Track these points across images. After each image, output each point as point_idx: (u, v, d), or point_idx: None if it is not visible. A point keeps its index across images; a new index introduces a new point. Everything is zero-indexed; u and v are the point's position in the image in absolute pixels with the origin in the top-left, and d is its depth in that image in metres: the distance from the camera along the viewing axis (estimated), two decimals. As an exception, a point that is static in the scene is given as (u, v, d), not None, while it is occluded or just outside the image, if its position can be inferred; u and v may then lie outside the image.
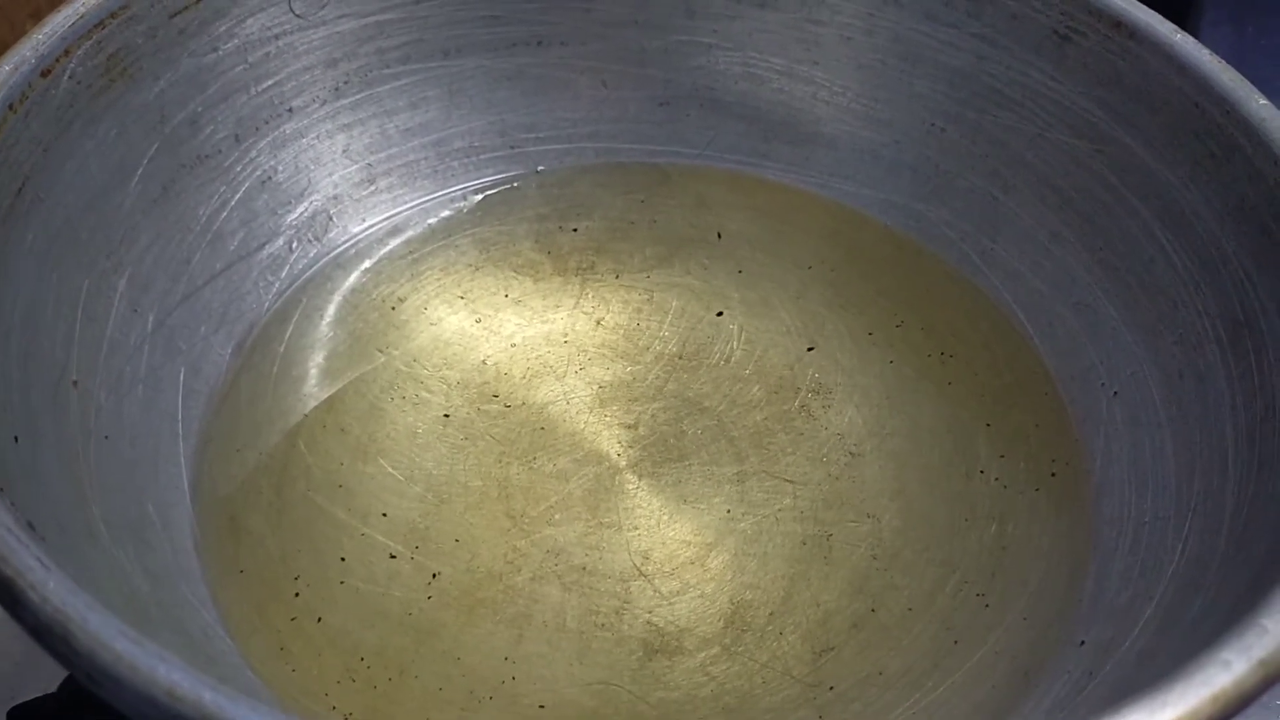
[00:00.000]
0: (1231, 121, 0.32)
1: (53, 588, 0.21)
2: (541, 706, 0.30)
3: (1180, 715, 0.20)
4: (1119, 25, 0.35)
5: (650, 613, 0.32)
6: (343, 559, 0.33)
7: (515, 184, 0.42)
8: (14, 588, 0.21)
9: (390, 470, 0.35)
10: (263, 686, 0.29)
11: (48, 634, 0.20)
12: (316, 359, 0.37)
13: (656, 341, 0.38)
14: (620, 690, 0.30)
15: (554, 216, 0.41)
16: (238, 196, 0.37)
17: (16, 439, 0.27)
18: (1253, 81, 0.33)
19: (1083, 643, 0.30)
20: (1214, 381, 0.32)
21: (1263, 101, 0.32)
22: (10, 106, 0.29)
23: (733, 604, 0.32)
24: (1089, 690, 0.28)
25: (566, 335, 0.38)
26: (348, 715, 0.29)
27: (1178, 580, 0.29)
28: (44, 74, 0.31)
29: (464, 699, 0.30)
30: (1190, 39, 0.34)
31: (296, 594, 0.32)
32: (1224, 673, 0.21)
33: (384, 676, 0.30)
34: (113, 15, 0.33)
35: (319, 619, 0.31)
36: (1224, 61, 0.34)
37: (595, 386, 0.37)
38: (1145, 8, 0.35)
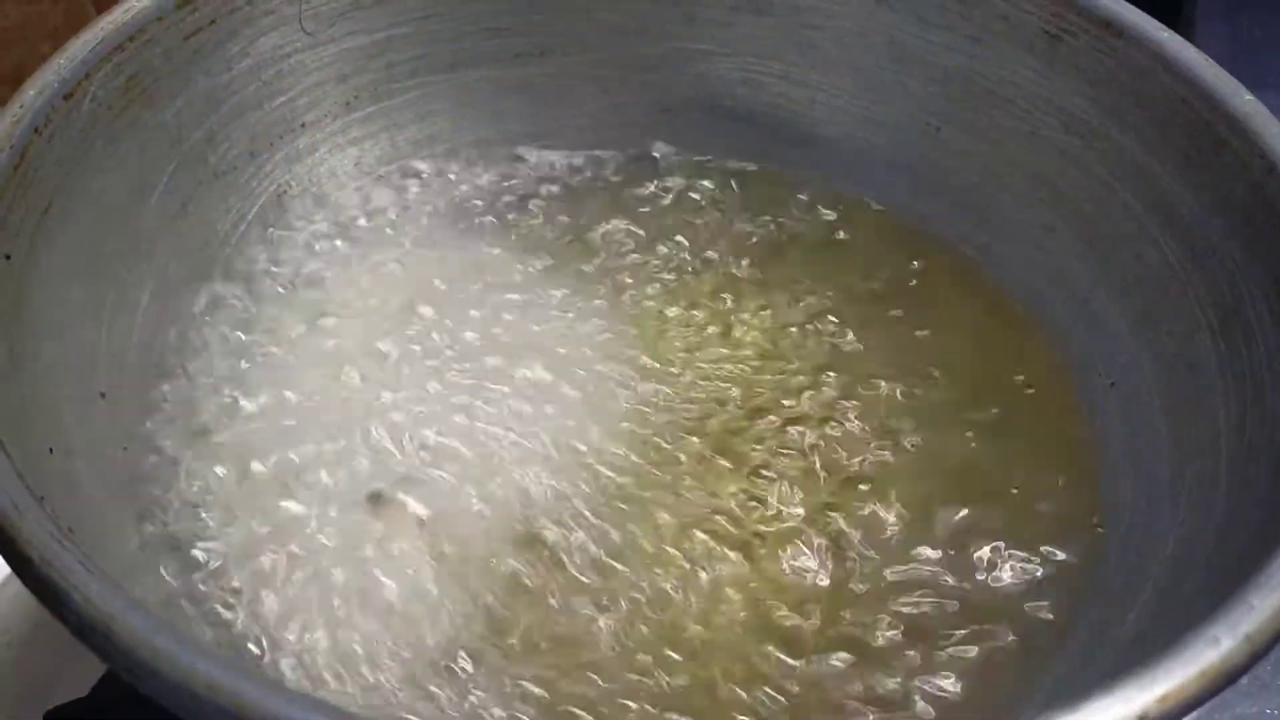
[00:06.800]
0: (1217, 117, 0.33)
1: (95, 589, 0.22)
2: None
3: (1169, 690, 0.21)
4: (1108, 25, 0.36)
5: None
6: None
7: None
8: (58, 589, 0.22)
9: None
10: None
11: (90, 632, 0.21)
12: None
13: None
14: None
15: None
16: (254, 210, 0.38)
17: (51, 450, 0.28)
18: (1247, 74, 0.34)
19: (1083, 623, 0.31)
20: (1205, 369, 0.33)
21: (1248, 97, 0.33)
22: (36, 130, 0.30)
23: None
24: (1088, 670, 0.29)
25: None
26: None
27: (1172, 563, 0.30)
28: (66, 97, 0.31)
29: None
30: (1177, 37, 0.35)
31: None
32: (1212, 649, 0.22)
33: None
34: (131, 39, 0.33)
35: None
36: (1210, 59, 0.34)
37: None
38: (1133, 7, 0.36)
